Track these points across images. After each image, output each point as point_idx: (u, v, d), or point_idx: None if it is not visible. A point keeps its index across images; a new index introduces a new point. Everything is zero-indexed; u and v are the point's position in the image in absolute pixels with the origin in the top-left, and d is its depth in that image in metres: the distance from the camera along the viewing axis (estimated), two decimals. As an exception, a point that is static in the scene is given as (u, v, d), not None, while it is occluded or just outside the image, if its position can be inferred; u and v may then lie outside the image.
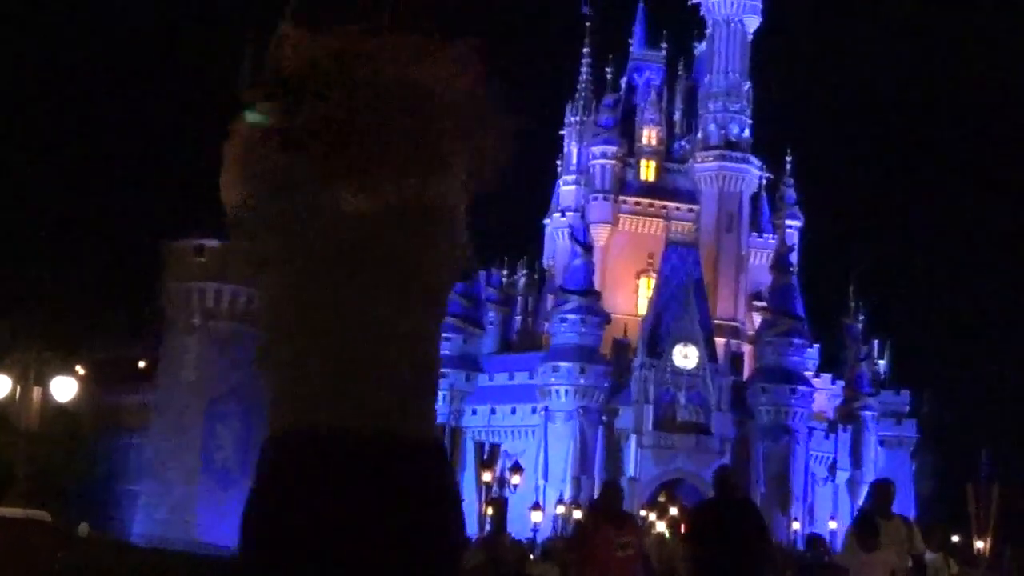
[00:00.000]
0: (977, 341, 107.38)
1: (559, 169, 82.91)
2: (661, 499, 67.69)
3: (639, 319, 72.89)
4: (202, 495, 51.74)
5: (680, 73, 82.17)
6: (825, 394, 75.85)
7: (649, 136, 79.60)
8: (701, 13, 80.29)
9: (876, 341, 77.80)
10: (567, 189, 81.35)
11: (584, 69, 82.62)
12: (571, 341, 69.91)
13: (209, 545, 35.82)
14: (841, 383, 76.89)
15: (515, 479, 47.99)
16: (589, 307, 71.09)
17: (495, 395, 68.69)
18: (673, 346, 69.51)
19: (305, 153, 2.27)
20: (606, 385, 70.35)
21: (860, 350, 76.75)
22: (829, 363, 77.97)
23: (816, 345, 76.88)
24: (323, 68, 2.26)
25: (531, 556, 27.69)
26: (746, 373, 73.31)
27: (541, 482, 66.17)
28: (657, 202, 78.71)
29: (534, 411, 69.69)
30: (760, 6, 79.09)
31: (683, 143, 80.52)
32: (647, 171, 79.54)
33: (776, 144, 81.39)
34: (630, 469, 64.31)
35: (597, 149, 78.98)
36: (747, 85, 79.14)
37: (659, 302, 71.58)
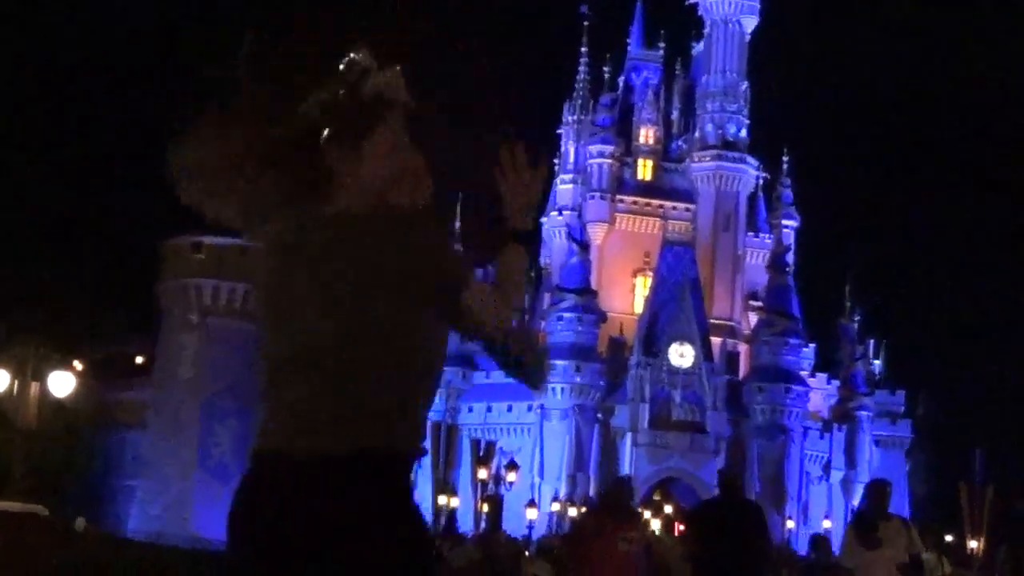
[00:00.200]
0: (973, 342, 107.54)
1: (556, 168, 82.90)
2: (656, 497, 67.84)
3: (635, 318, 72.96)
4: (199, 490, 51.73)
5: (677, 73, 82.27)
6: (820, 394, 75.89)
7: (646, 135, 79.65)
8: (699, 13, 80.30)
9: (872, 341, 77.86)
10: (564, 188, 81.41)
11: (582, 68, 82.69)
12: (567, 339, 69.95)
13: (206, 540, 35.85)
14: (836, 383, 76.96)
15: (511, 476, 48.05)
16: (585, 305, 71.14)
17: (491, 392, 68.65)
18: (669, 345, 69.59)
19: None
20: (602, 383, 70.45)
21: (855, 350, 76.81)
22: (824, 363, 78.08)
23: (812, 345, 76.97)
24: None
25: (526, 553, 27.71)
26: (742, 372, 73.44)
27: (537, 479, 66.28)
28: (654, 201, 78.75)
29: (530, 409, 69.75)
30: (758, 6, 79.13)
31: (680, 143, 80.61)
32: (644, 170, 79.59)
33: (773, 144, 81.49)
34: (625, 467, 64.27)
35: (594, 148, 79.05)
36: (744, 85, 79.18)
37: (655, 301, 71.65)
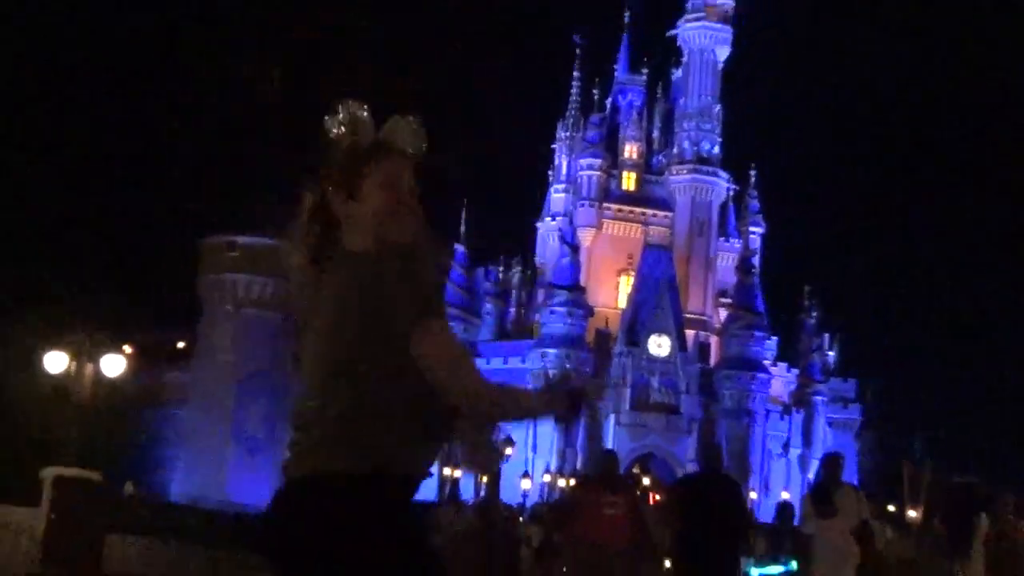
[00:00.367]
0: (917, 338, 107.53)
1: (551, 178, 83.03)
2: (635, 471, 67.74)
3: (619, 312, 72.98)
4: (232, 461, 51.74)
5: (658, 96, 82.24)
6: (781, 381, 75.93)
7: (630, 151, 79.63)
8: (678, 43, 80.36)
9: (827, 335, 77.82)
10: (557, 196, 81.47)
11: (574, 91, 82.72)
12: (559, 331, 70.01)
13: (238, 504, 35.89)
14: (795, 371, 76.98)
15: (507, 451, 47.97)
16: (575, 301, 71.16)
17: (491, 377, 68.51)
18: (648, 336, 69.64)
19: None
20: (589, 370, 70.38)
21: (812, 343, 76.82)
22: (785, 354, 78.07)
23: (774, 338, 76.97)
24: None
25: (520, 518, 27.76)
26: (712, 361, 73.46)
27: (530, 454, 66.24)
28: (636, 209, 78.76)
29: (525, 391, 69.80)
30: (730, 38, 79.11)
31: (660, 158, 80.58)
32: (628, 182, 79.58)
33: (742, 160, 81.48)
34: (609, 444, 64.22)
35: (584, 162, 79.05)
36: (717, 107, 79.18)
37: (637, 298, 71.68)
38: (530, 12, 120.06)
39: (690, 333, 72.18)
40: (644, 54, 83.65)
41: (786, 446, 74.11)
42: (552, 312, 70.57)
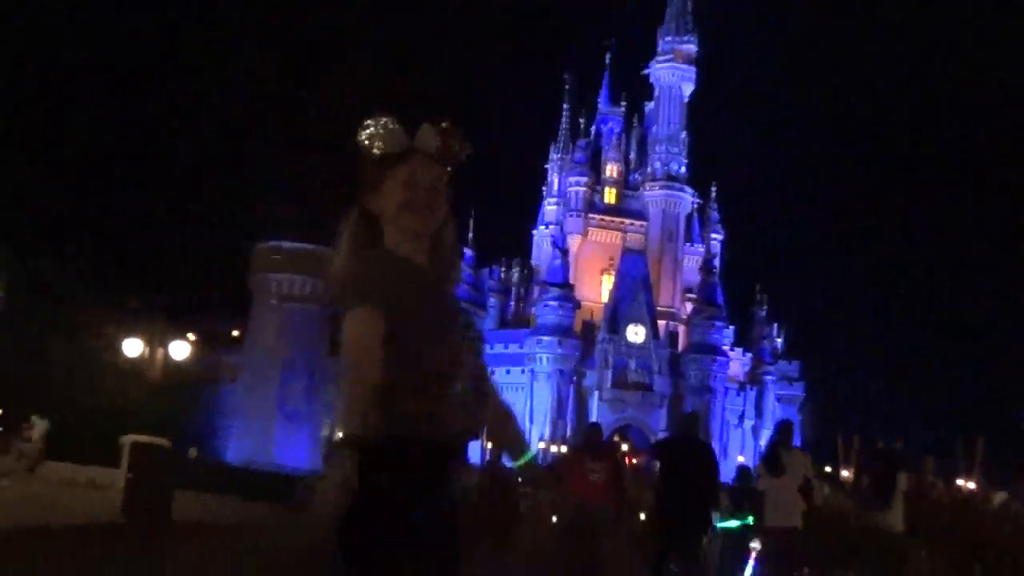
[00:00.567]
0: (850, 325, 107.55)
1: (544, 193, 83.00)
2: (616, 439, 67.88)
3: (602, 306, 73.04)
4: (278, 430, 51.69)
5: (634, 124, 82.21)
6: (738, 363, 75.98)
7: (611, 170, 79.65)
8: (650, 81, 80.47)
9: (775, 324, 77.89)
10: (550, 208, 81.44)
11: (564, 120, 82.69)
12: (551, 321, 70.07)
13: (282, 465, 35.98)
14: (749, 355, 77.03)
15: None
16: (565, 296, 71.21)
17: (494, 360, 68.64)
18: (627, 326, 69.71)
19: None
20: (576, 354, 70.52)
21: (763, 331, 76.92)
22: (741, 340, 78.09)
23: (732, 327, 77.00)
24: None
25: (519, 480, 27.84)
26: (680, 347, 73.49)
27: (528, 424, 66.42)
28: (617, 219, 78.76)
29: (523, 372, 69.85)
30: (694, 76, 79.22)
31: (636, 176, 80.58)
32: (609, 196, 79.60)
33: (705, 177, 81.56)
34: (593, 416, 64.42)
35: (573, 179, 79.06)
36: (684, 134, 79.23)
37: (617, 294, 71.74)
38: (524, 58, 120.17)
39: (662, 323, 72.23)
40: (622, 89, 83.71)
41: (741, 417, 74.25)
42: (546, 305, 70.64)
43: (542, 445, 62.37)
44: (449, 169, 2.56)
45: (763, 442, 66.28)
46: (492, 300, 77.66)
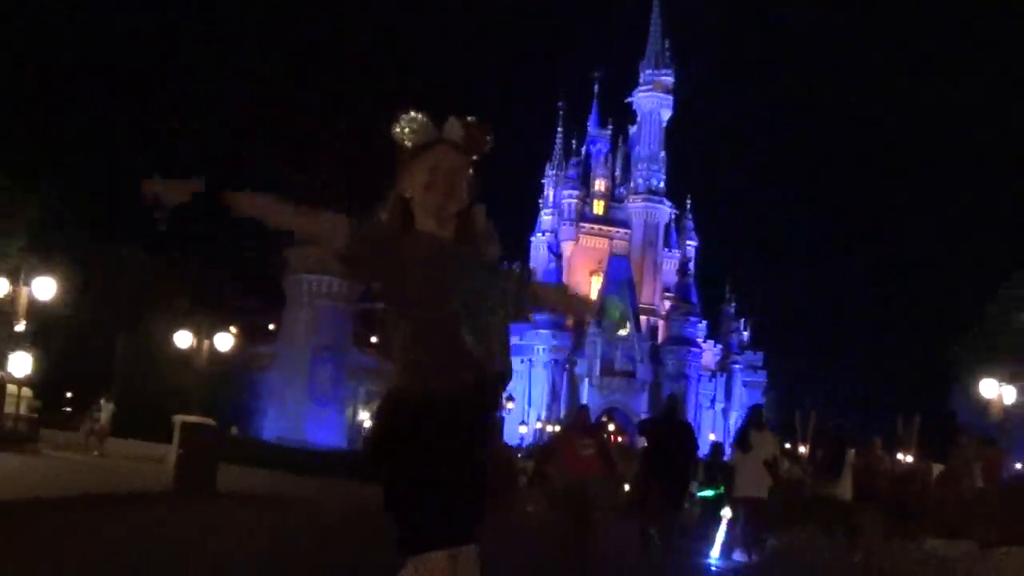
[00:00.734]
0: (808, 320, 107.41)
1: (541, 204, 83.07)
2: (603, 419, 67.88)
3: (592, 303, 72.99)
4: (308, 413, 51.68)
5: (620, 145, 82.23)
6: (710, 353, 76.09)
7: (600, 185, 79.72)
8: (633, 107, 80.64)
9: (743, 319, 78.02)
10: (546, 218, 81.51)
11: (558, 141, 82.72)
12: (547, 317, 70.12)
13: (314, 444, 36.00)
14: (720, 346, 77.15)
15: (509, 405, 48.18)
16: (559, 295, 71.15)
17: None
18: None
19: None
20: (569, 345, 70.62)
21: (732, 325, 77.02)
22: (712, 333, 78.17)
23: (704, 321, 77.11)
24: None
25: (518, 455, 28.00)
26: (660, 339, 73.61)
27: (526, 407, 66.51)
28: (604, 227, 78.83)
29: (522, 362, 69.91)
30: (671, 103, 79.40)
31: (621, 190, 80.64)
32: (598, 207, 79.68)
33: (681, 192, 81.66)
34: (584, 399, 64.51)
35: (566, 192, 79.13)
36: (662, 154, 79.31)
37: (604, 293, 71.84)
38: (521, 87, 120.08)
39: (643, 319, 72.33)
40: (609, 115, 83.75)
41: (713, 401, 74.38)
42: (542, 303, 70.60)
43: (539, 426, 62.40)
44: (474, 158, 2.50)
45: (732, 423, 66.38)
46: (495, 298, 77.73)
